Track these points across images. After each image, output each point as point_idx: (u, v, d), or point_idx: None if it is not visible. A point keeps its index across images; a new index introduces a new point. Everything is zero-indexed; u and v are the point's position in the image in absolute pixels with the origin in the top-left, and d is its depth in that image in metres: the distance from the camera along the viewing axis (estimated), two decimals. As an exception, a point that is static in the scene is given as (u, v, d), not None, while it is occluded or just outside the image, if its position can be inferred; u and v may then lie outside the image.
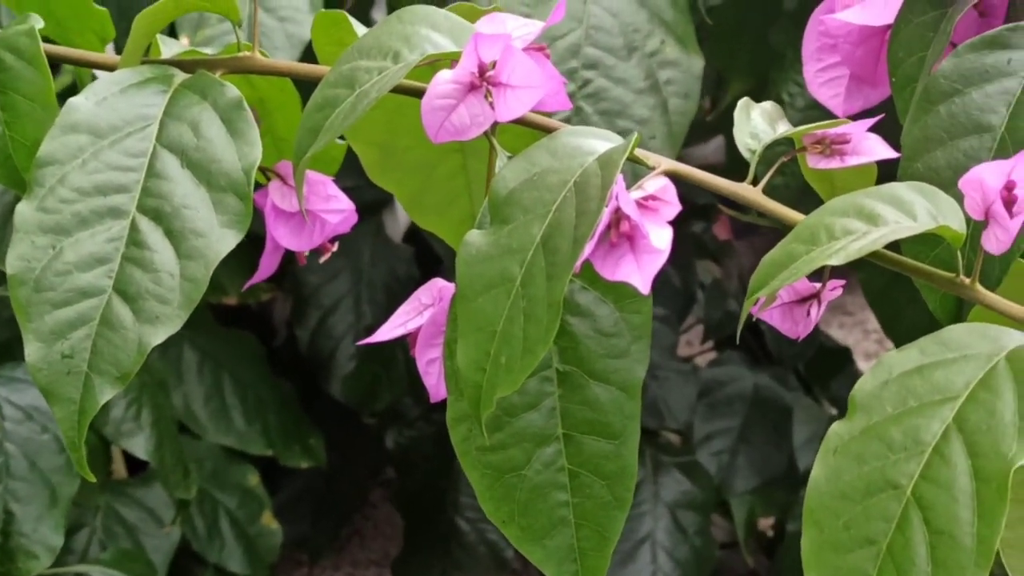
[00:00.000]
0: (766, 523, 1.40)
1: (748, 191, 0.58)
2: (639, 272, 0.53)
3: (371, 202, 0.71)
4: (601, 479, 0.60)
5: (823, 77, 0.73)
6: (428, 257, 1.26)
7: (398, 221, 1.26)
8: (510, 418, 0.59)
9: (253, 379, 1.25)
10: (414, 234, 1.26)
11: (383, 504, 1.43)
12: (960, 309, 0.58)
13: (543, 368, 0.59)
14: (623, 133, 0.85)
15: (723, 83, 1.21)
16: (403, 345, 1.19)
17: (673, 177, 0.57)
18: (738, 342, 0.57)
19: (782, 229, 0.58)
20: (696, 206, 1.34)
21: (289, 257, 0.71)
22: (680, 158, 1.35)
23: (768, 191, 0.89)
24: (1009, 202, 0.51)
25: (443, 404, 1.20)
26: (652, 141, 0.86)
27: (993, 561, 0.48)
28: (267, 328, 1.45)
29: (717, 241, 1.37)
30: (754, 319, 0.59)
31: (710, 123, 1.33)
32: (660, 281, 0.62)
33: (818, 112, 0.76)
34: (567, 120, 0.85)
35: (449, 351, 0.58)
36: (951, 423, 0.50)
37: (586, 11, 0.86)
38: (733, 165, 1.23)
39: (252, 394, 1.24)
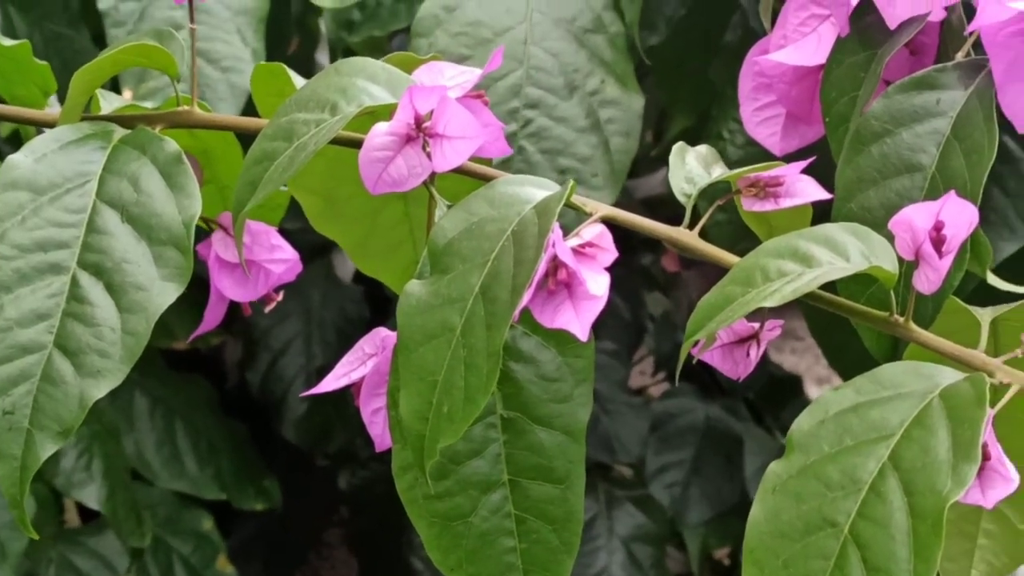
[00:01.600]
0: (722, 553, 1.40)
1: (684, 235, 0.59)
2: (577, 319, 0.53)
3: (320, 244, 0.71)
4: (548, 524, 0.60)
5: (760, 116, 0.74)
6: (379, 297, 1.26)
7: (348, 262, 1.26)
8: (455, 465, 0.60)
9: (205, 423, 1.25)
10: (364, 275, 1.26)
11: (339, 545, 1.43)
12: (896, 347, 0.59)
13: (487, 414, 0.60)
14: (565, 172, 0.87)
15: (667, 117, 1.22)
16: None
17: (611, 223, 0.58)
18: (676, 383, 0.57)
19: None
20: (644, 239, 1.34)
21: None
22: (626, 190, 1.37)
23: (711, 227, 0.90)
24: (938, 242, 0.52)
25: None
26: (595, 179, 0.87)
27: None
28: (219, 371, 1.44)
29: (666, 273, 1.38)
30: (694, 360, 0.60)
31: (656, 155, 1.34)
32: (609, 314, 0.63)
33: (757, 149, 0.76)
34: (509, 159, 0.86)
35: (392, 401, 0.58)
36: (887, 461, 0.50)
37: (527, 52, 0.87)
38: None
39: (204, 438, 1.24)
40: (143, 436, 1.22)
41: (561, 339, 0.60)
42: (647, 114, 1.37)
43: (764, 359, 1.36)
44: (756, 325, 0.60)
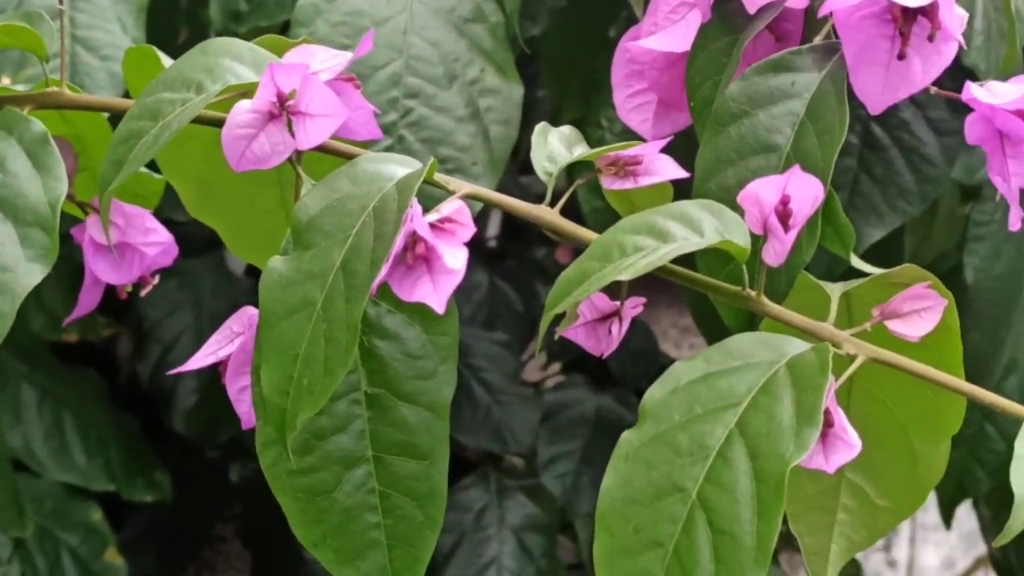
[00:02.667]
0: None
1: (546, 212, 0.60)
2: (435, 293, 0.54)
3: (211, 237, 0.72)
4: (412, 499, 0.61)
5: (632, 103, 0.75)
6: (271, 290, 1.25)
7: (238, 255, 1.26)
8: (319, 441, 0.60)
9: (95, 415, 1.24)
10: (256, 267, 1.26)
11: (232, 539, 1.43)
12: (752, 320, 0.60)
13: (351, 391, 0.61)
14: (445, 160, 0.87)
15: (558, 112, 1.23)
16: (244, 377, 1.19)
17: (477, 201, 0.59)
18: (537, 354, 0.58)
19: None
20: (539, 232, 1.35)
21: (132, 292, 0.71)
22: (521, 185, 1.37)
23: (590, 213, 0.91)
24: (784, 216, 0.53)
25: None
26: (475, 167, 0.87)
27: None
28: (111, 364, 1.44)
29: (559, 265, 1.39)
30: (556, 337, 0.61)
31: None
32: (502, 306, 0.64)
33: (634, 137, 0.78)
34: (389, 149, 0.87)
35: (256, 377, 0.59)
36: (734, 428, 0.52)
37: (406, 41, 0.87)
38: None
39: (94, 430, 1.24)
40: (31, 428, 1.21)
41: (426, 317, 0.61)
42: (545, 107, 1.38)
43: (658, 353, 1.38)
44: (618, 303, 0.61)
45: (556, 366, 1.41)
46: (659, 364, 1.34)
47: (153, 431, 1.31)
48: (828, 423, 0.51)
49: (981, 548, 2.44)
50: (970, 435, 1.13)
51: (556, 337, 0.61)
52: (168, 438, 1.32)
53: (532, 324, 1.33)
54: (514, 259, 1.34)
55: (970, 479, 1.14)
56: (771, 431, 0.51)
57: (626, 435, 0.53)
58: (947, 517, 1.17)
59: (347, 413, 0.60)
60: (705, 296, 0.60)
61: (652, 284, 0.61)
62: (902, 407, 0.61)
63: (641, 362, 1.33)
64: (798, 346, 0.53)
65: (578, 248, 1.39)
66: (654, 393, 0.53)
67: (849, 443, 0.51)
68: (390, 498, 0.61)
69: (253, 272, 1.25)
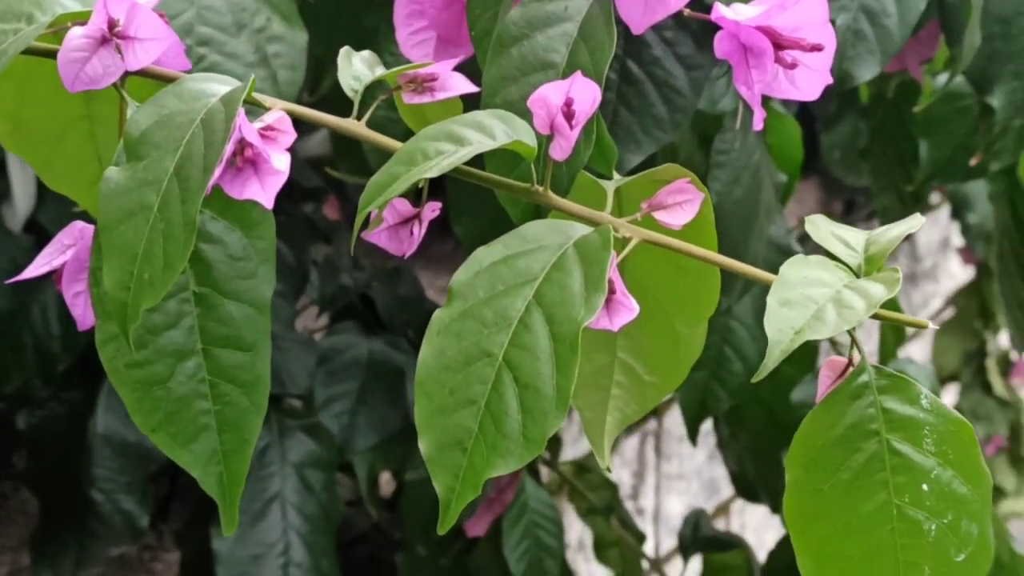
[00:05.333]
0: (388, 488, 1.49)
1: (354, 125, 0.67)
2: (263, 191, 0.61)
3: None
4: (239, 387, 0.67)
5: (414, 40, 0.82)
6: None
7: (18, 212, 1.29)
8: (153, 336, 0.66)
9: None
10: (35, 225, 1.29)
11: (14, 493, 1.46)
12: (538, 215, 0.68)
13: (181, 291, 0.67)
14: (237, 103, 0.93)
15: (321, 71, 1.29)
16: (30, 326, 1.23)
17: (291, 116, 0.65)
18: (351, 251, 0.65)
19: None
20: (306, 189, 1.42)
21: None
22: (293, 149, 1.43)
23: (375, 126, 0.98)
24: (569, 115, 0.61)
25: (73, 382, 1.23)
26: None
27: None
28: None
29: (327, 221, 1.45)
30: (358, 236, 0.68)
31: (313, 102, 1.41)
32: (276, 259, 0.70)
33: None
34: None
35: (95, 279, 0.64)
36: (532, 300, 0.59)
37: (196, -8, 0.93)
38: (341, 153, 1.32)
39: None
40: None
41: (246, 223, 0.68)
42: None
43: (424, 299, 1.45)
44: (418, 208, 0.69)
45: (326, 317, 1.48)
46: (425, 310, 1.41)
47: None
48: (611, 291, 0.60)
49: (722, 495, 2.58)
50: (711, 357, 1.24)
51: (362, 234, 0.68)
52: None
53: (304, 277, 1.39)
54: (284, 215, 1.40)
55: (712, 398, 1.24)
56: (564, 299, 0.59)
57: (437, 313, 0.61)
58: (692, 434, 1.27)
59: (178, 311, 0.67)
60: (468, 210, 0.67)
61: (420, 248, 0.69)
62: (665, 293, 0.70)
63: (408, 308, 1.40)
64: (583, 230, 0.61)
65: (344, 204, 1.45)
66: (460, 276, 0.61)
67: (629, 307, 0.60)
68: (219, 387, 0.67)
69: (31, 230, 1.28)
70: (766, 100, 1.08)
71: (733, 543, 1.44)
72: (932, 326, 0.58)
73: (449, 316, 0.60)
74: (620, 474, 2.27)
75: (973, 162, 1.20)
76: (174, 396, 0.66)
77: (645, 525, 2.34)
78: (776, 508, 1.30)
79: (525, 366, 0.58)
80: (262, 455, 1.25)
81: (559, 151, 0.62)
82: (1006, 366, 2.91)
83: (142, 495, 1.22)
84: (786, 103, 1.33)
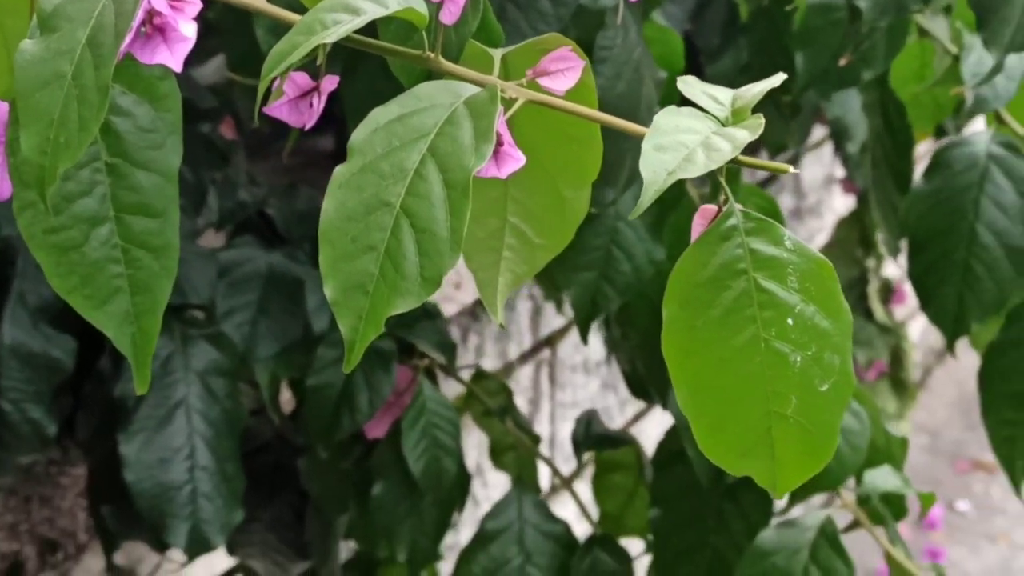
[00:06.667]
0: (289, 406, 1.53)
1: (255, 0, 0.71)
2: (172, 56, 0.64)
3: None
4: (149, 252, 0.71)
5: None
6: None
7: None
8: (68, 204, 0.70)
9: None
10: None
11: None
12: (429, 79, 0.72)
13: (93, 160, 0.70)
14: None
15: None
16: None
17: None
18: (256, 120, 0.69)
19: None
20: (203, 110, 1.45)
21: None
22: (190, 77, 1.46)
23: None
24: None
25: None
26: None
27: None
28: None
29: (224, 140, 1.48)
30: (265, 105, 0.72)
31: (211, 45, 1.44)
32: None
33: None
34: None
35: (11, 149, 0.68)
36: (426, 152, 0.64)
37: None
38: (237, 68, 1.35)
39: None
40: None
41: (154, 96, 0.71)
42: None
43: (318, 212, 1.49)
44: (316, 81, 0.73)
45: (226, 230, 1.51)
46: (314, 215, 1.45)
47: None
48: (500, 143, 0.64)
49: (615, 423, 2.65)
50: (600, 258, 1.29)
51: (264, 108, 0.72)
52: None
53: (203, 193, 1.43)
54: (183, 135, 1.42)
55: (602, 297, 1.29)
56: (456, 150, 0.64)
57: (338, 169, 0.65)
58: (584, 334, 1.32)
59: (91, 180, 0.70)
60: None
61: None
62: (551, 160, 0.75)
63: (305, 223, 1.44)
64: (472, 89, 0.66)
65: (239, 124, 1.48)
66: (358, 135, 0.65)
67: (516, 157, 0.65)
68: (130, 251, 0.71)
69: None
70: (648, 10, 1.14)
71: (624, 440, 1.50)
72: (792, 170, 0.63)
73: (349, 171, 0.65)
74: (516, 402, 2.33)
75: (842, 62, 1.26)
76: (88, 260, 0.70)
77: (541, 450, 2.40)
78: (665, 404, 1.36)
79: (421, 212, 0.63)
80: (166, 363, 1.29)
81: (448, 15, 0.66)
82: (887, 293, 3.01)
83: (49, 405, 1.25)
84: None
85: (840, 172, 3.26)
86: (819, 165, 3.35)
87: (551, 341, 2.42)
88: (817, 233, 3.42)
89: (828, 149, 3.22)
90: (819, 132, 2.95)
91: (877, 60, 1.32)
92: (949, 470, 4.05)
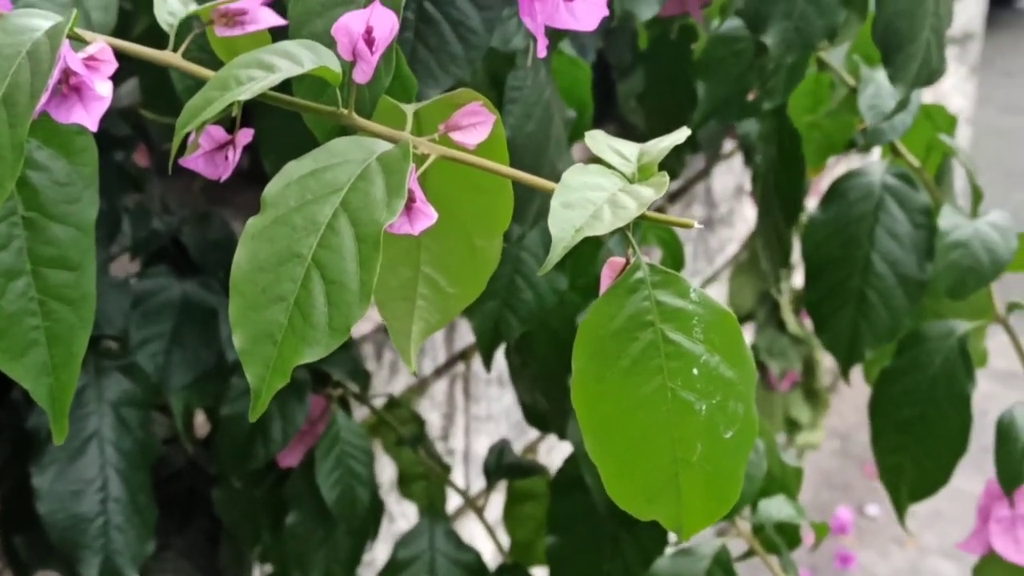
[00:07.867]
0: (203, 430, 1.53)
1: (170, 56, 0.72)
2: (88, 115, 0.65)
3: None
4: (65, 304, 0.72)
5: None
6: None
7: None
8: (-16, 258, 0.71)
9: None
10: None
11: None
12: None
13: (10, 215, 0.71)
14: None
15: (129, 19, 1.33)
16: None
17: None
18: (170, 170, 0.70)
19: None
20: (116, 137, 1.45)
21: None
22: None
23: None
24: (369, 42, 0.67)
25: None
26: (76, 52, 0.97)
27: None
28: None
29: (137, 168, 1.48)
30: (180, 159, 0.73)
31: (125, 67, 1.44)
32: None
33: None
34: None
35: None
36: (339, 206, 0.65)
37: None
38: (150, 99, 1.35)
39: None
40: None
41: (70, 151, 0.72)
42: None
43: (233, 240, 1.49)
44: (232, 135, 0.74)
45: (138, 261, 1.51)
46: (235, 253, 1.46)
47: None
48: (412, 199, 0.66)
49: (530, 436, 2.67)
50: (503, 287, 1.30)
51: (176, 158, 0.73)
52: None
53: (116, 223, 1.43)
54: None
55: (505, 325, 1.30)
56: (368, 205, 0.65)
57: (251, 221, 0.66)
58: (487, 361, 1.33)
59: (7, 233, 0.71)
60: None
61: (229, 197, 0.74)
62: (463, 210, 0.76)
63: (218, 251, 1.45)
64: (385, 146, 0.67)
65: (153, 151, 1.48)
66: (272, 188, 0.66)
67: (428, 214, 0.66)
68: (47, 304, 0.72)
69: None
70: (556, 40, 1.16)
71: (535, 470, 1.52)
72: (697, 225, 0.65)
73: (262, 223, 0.66)
74: (430, 416, 2.34)
75: (750, 97, 1.28)
76: (5, 313, 0.71)
77: (456, 465, 2.41)
78: (563, 434, 1.37)
79: (332, 264, 0.64)
80: (80, 395, 1.29)
81: (362, 74, 0.68)
82: (798, 304, 3.04)
83: (-39, 435, 1.25)
84: (583, 52, 1.41)
85: (749, 184, 3.30)
86: (731, 175, 3.38)
87: (466, 355, 2.44)
88: (728, 243, 3.46)
89: (739, 159, 3.26)
90: (731, 143, 2.99)
91: (777, 91, 1.35)
92: (859, 473, 4.11)
